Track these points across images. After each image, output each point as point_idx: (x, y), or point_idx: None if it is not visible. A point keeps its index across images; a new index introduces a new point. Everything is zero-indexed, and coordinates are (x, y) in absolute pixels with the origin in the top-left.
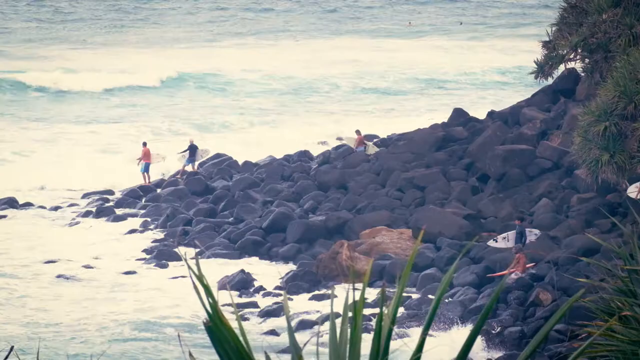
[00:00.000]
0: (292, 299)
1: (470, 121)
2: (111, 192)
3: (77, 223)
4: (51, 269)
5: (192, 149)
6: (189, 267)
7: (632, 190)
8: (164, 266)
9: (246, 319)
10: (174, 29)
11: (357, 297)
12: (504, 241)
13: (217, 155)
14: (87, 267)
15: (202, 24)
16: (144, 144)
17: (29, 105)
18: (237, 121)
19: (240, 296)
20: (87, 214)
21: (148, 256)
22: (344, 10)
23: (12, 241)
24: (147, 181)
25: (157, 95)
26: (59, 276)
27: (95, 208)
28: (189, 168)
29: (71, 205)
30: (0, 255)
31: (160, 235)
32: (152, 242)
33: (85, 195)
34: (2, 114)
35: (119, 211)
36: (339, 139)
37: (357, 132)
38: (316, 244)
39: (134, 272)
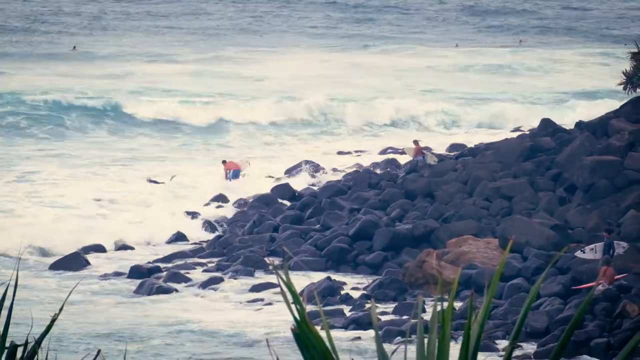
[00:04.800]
0: (378, 307)
1: (558, 131)
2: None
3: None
4: (135, 277)
5: None
6: (277, 275)
7: None
8: (250, 274)
9: (333, 327)
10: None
11: (445, 306)
12: (591, 252)
13: (306, 162)
14: (174, 274)
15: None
16: (224, 162)
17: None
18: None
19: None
20: None
21: (234, 263)
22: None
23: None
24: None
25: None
26: (143, 283)
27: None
28: None
29: None
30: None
31: (247, 242)
32: (238, 249)
33: None
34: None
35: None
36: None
37: (415, 142)
38: (402, 253)
39: (220, 279)
